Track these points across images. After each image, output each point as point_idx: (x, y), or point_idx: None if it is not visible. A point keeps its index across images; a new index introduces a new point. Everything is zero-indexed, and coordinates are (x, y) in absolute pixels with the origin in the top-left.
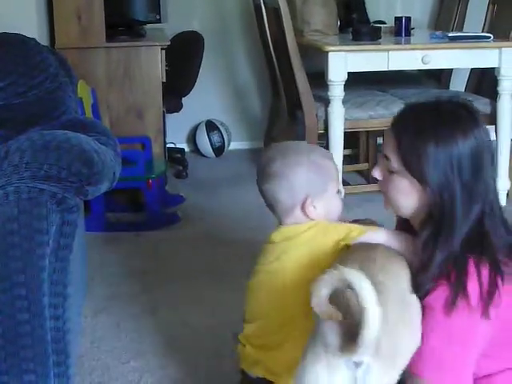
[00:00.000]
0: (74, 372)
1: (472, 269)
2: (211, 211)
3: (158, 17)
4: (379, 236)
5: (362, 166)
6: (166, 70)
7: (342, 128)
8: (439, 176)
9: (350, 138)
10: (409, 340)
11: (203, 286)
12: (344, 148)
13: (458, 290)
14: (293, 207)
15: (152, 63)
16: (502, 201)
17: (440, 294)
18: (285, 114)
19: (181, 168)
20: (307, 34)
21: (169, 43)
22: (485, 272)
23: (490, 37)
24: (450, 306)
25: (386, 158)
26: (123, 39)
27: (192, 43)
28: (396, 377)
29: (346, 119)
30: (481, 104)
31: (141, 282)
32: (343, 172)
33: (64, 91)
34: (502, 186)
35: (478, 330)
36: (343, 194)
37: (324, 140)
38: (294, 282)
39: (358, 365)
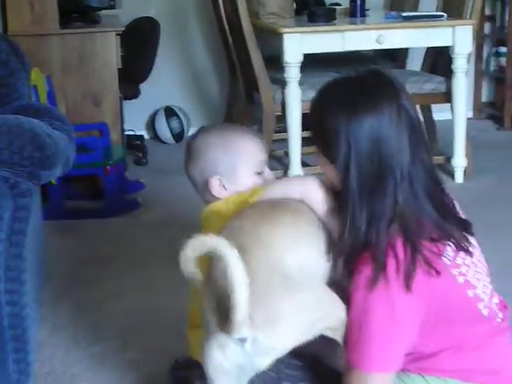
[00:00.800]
0: (34, 358)
1: (389, 247)
2: (171, 197)
3: (112, 3)
4: (275, 191)
5: None
6: (122, 57)
7: (300, 110)
8: (343, 153)
9: (307, 120)
10: (290, 306)
11: (164, 271)
12: (302, 130)
13: (377, 268)
14: (204, 187)
15: (107, 49)
16: (459, 178)
17: (361, 275)
18: (242, 98)
19: (140, 155)
20: (263, 16)
21: (124, 29)
22: (400, 250)
23: (443, 16)
24: (371, 283)
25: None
26: (78, 26)
27: (148, 29)
28: (288, 344)
29: (302, 101)
30: (436, 82)
31: (101, 269)
32: (302, 154)
33: (16, 78)
34: (459, 163)
35: (401, 305)
36: (270, 175)
37: (282, 122)
38: None
39: (242, 340)
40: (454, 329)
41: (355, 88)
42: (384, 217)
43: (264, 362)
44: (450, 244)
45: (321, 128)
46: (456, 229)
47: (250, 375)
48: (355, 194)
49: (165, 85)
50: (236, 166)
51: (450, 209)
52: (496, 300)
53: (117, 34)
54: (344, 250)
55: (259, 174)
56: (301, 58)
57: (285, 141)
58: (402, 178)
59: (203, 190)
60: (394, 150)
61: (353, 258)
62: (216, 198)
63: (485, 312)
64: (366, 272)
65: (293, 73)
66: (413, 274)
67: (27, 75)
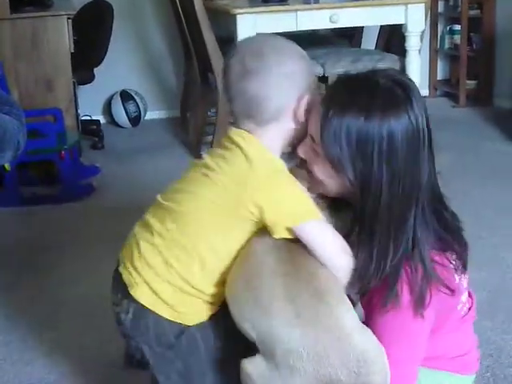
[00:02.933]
0: None
1: (403, 272)
2: (127, 181)
3: None
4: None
5: None
6: (75, 41)
7: None
8: (360, 169)
9: None
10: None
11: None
12: None
13: (390, 293)
14: (282, 110)
15: (59, 34)
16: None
17: (376, 298)
18: (198, 81)
19: (96, 139)
20: None
21: (75, 13)
22: (415, 276)
23: None
24: (382, 307)
25: (312, 138)
26: (29, 10)
27: (101, 12)
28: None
29: None
30: (390, 61)
31: (56, 255)
32: None
33: None
34: None
35: (414, 329)
36: None
37: None
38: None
39: None
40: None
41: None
42: (402, 247)
43: None
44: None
45: (336, 144)
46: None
47: None
48: (384, 222)
49: (120, 69)
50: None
51: (453, 224)
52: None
53: (68, 18)
54: (366, 283)
55: None
56: None
57: None
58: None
59: (275, 116)
60: (423, 170)
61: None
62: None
63: (459, 308)
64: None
65: None
66: (426, 297)
67: None
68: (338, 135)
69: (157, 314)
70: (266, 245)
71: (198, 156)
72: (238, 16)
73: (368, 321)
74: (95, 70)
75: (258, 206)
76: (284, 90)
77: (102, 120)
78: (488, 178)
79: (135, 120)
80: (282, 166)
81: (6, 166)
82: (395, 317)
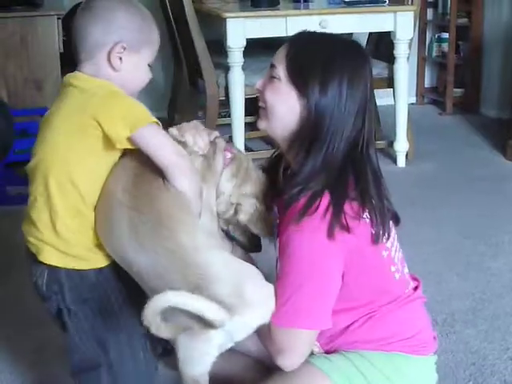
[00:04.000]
0: None
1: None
2: None
3: None
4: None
5: (264, 132)
6: (64, 41)
7: (243, 94)
8: (321, 91)
9: (252, 105)
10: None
11: None
12: (246, 115)
13: (306, 210)
14: (101, 48)
15: (48, 33)
16: (401, 162)
17: (292, 214)
18: (186, 84)
19: None
20: (206, 1)
21: (64, 12)
22: (327, 200)
23: (385, 1)
24: (296, 221)
25: (273, 66)
26: (18, 9)
27: None
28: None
29: (246, 85)
30: (379, 68)
31: None
32: (245, 139)
33: None
34: (400, 148)
35: (326, 252)
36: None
37: (226, 107)
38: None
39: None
40: (365, 289)
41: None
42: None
43: (241, 335)
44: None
45: (304, 64)
46: (381, 207)
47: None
48: (331, 127)
49: None
50: (143, 46)
51: (385, 193)
52: (407, 270)
53: (58, 18)
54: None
55: (150, 67)
56: (244, 43)
57: (229, 126)
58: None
59: (94, 51)
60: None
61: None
62: (106, 70)
63: (396, 276)
64: (298, 207)
65: (236, 57)
66: (336, 224)
67: None
68: (304, 69)
69: (66, 269)
70: (119, 170)
71: None
72: (227, 20)
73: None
74: None
75: (97, 120)
76: (101, 30)
77: None
78: (473, 185)
79: None
80: (117, 88)
81: None
82: (307, 234)
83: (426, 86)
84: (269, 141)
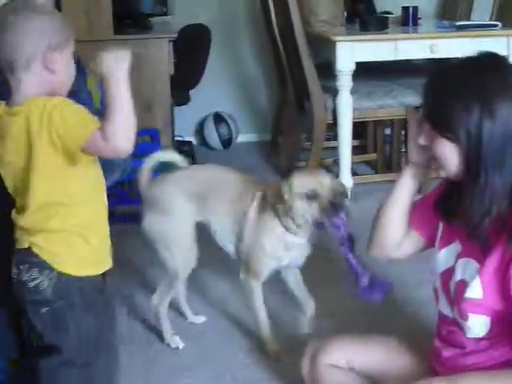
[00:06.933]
0: None
1: None
2: None
3: (164, 9)
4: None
5: (371, 156)
6: (174, 63)
7: (351, 118)
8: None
9: (358, 129)
10: None
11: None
12: (352, 138)
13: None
14: (34, 57)
15: (160, 56)
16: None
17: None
18: (292, 106)
19: (189, 160)
20: (314, 24)
21: (176, 35)
22: None
23: (497, 25)
24: None
25: (427, 123)
26: (130, 32)
27: (199, 36)
28: None
29: (354, 109)
30: None
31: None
32: (352, 162)
33: (75, 84)
34: None
35: None
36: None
37: (332, 131)
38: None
39: None
40: None
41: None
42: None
43: None
44: None
45: (445, 110)
46: None
47: None
48: (489, 165)
49: (214, 91)
50: (68, 42)
51: None
52: None
53: (170, 41)
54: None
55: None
56: (353, 67)
57: (333, 149)
58: None
59: (30, 63)
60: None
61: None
62: (48, 77)
63: None
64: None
65: (345, 81)
66: None
67: (84, 81)
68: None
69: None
70: None
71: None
72: (337, 43)
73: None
74: (190, 91)
75: (54, 134)
76: (32, 41)
77: (193, 141)
78: None
79: (227, 142)
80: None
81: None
82: None
83: None
84: (374, 165)
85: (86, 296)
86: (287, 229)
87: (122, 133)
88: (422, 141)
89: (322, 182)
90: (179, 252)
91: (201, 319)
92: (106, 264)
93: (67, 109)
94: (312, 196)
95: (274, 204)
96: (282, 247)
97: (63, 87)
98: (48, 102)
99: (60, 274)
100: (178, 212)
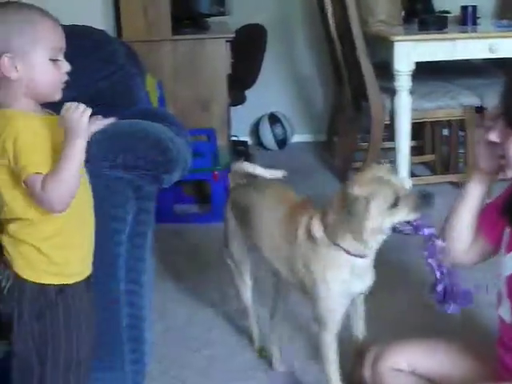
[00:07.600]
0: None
1: None
2: None
3: (222, 10)
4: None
5: (428, 157)
6: (231, 63)
7: (410, 119)
8: None
9: (415, 129)
10: None
11: None
12: (411, 139)
13: None
14: None
15: (218, 56)
16: None
17: None
18: (349, 106)
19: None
20: (371, 24)
21: (233, 35)
22: None
23: None
24: None
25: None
26: (188, 32)
27: (256, 36)
28: None
29: (412, 110)
30: None
31: (207, 274)
32: (411, 163)
33: (133, 83)
34: None
35: None
36: (67, 67)
37: (389, 131)
38: None
39: None
40: None
41: None
42: None
43: None
44: None
45: None
46: None
47: None
48: None
49: (270, 91)
50: (35, 46)
51: None
52: None
53: (227, 41)
54: None
55: (54, 61)
56: (412, 67)
57: (390, 150)
58: None
59: None
60: None
61: None
62: (11, 88)
63: None
64: None
65: (404, 81)
66: None
67: (143, 80)
68: None
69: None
70: None
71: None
72: (396, 43)
73: None
74: (246, 91)
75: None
76: None
77: (249, 141)
78: None
79: (281, 143)
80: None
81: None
82: None
83: None
84: (432, 166)
85: (41, 303)
86: (351, 253)
87: (63, 189)
88: (493, 137)
89: (393, 182)
90: None
91: None
92: (76, 276)
93: (22, 140)
94: (394, 204)
95: (335, 228)
96: (351, 276)
97: (42, 93)
98: (12, 123)
99: (16, 276)
100: None
